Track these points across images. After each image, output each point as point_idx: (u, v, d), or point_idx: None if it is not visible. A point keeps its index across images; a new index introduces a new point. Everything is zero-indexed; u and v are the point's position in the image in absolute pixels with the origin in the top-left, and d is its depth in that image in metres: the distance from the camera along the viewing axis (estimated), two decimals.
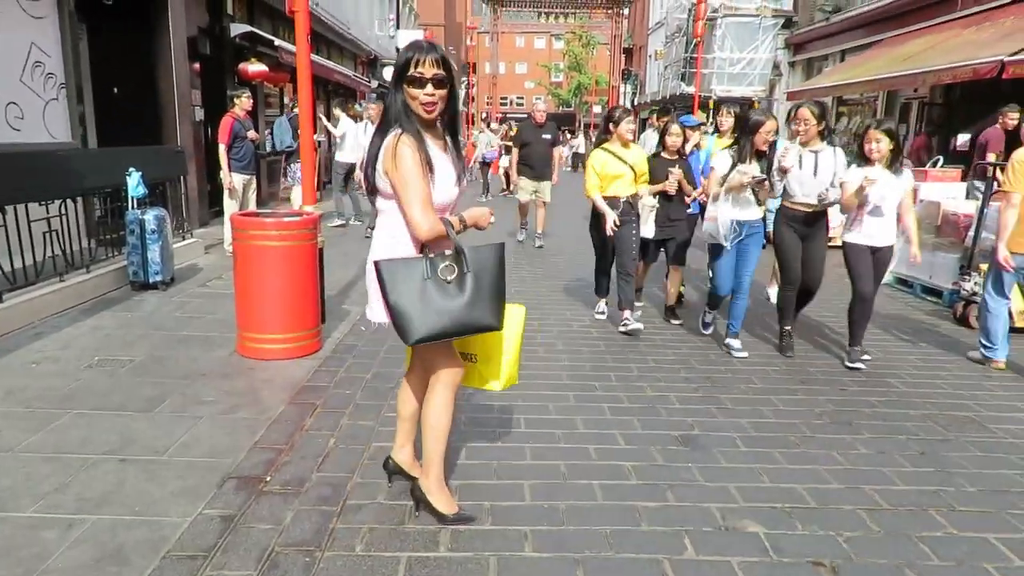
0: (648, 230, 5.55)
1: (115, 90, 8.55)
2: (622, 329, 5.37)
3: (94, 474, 3.00)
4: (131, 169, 6.20)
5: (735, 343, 4.98)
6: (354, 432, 3.52)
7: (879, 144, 4.50)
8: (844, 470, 3.28)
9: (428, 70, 2.40)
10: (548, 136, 9.35)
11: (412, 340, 2.44)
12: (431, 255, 2.44)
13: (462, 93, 46.59)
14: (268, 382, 4.16)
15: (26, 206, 5.22)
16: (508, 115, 57.75)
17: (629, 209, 5.33)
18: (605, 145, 5.38)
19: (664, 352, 5.02)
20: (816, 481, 3.17)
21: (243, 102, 8.18)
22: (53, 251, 5.57)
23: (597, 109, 54.04)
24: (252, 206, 8.11)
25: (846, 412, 4.00)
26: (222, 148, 7.97)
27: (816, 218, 4.89)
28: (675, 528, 2.76)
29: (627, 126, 5.32)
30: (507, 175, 17.81)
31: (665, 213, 5.60)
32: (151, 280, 6.14)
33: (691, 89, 20.21)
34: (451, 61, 2.48)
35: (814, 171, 4.74)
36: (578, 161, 24.40)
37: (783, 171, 4.70)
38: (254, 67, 11.03)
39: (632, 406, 3.99)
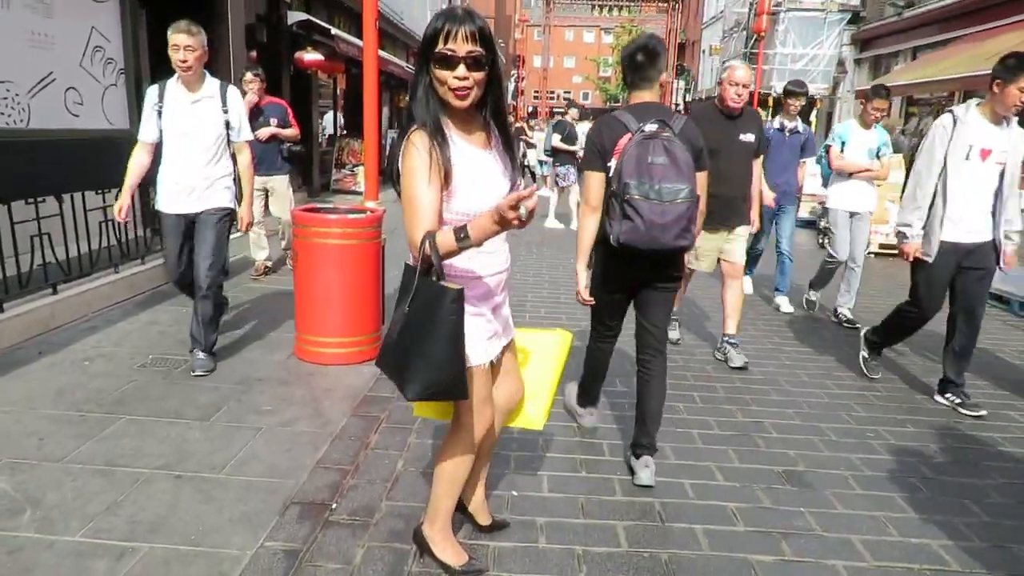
0: None
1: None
2: None
3: (148, 492, 2.76)
4: None
5: None
6: (422, 452, 3.22)
7: None
8: (983, 524, 2.86)
9: (461, 46, 1.87)
10: (749, 137, 4.43)
11: (376, 364, 2.13)
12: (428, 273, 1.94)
13: (510, 86, 46.19)
14: (328, 391, 3.90)
15: (83, 194, 5.06)
16: (554, 109, 57.36)
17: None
18: None
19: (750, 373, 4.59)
20: (953, 536, 2.76)
21: (250, 89, 6.23)
22: (109, 241, 5.41)
23: None
24: (289, 205, 6.57)
25: (967, 450, 3.56)
26: None
27: None
28: None
29: None
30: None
31: None
32: None
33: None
34: (492, 36, 1.96)
35: None
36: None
37: None
38: (310, 56, 10.87)
39: (724, 433, 3.62)
